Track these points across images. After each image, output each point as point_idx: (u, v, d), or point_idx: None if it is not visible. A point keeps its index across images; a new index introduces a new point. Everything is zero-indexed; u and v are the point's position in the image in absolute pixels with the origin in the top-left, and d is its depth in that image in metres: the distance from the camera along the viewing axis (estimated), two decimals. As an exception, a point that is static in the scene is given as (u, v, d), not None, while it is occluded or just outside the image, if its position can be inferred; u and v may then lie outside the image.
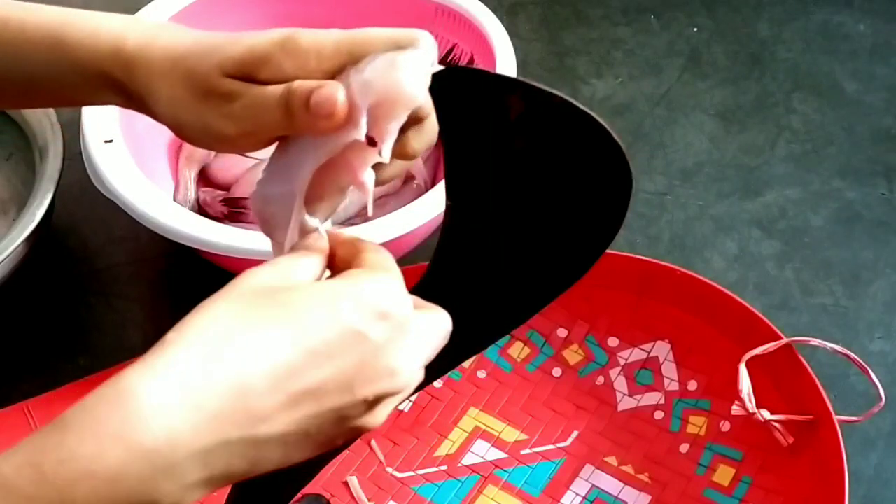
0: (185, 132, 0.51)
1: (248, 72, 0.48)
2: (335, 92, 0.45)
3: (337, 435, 0.43)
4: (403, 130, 0.46)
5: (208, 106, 0.48)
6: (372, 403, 0.43)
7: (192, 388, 0.39)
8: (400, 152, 0.47)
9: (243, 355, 0.40)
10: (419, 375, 0.45)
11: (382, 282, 0.43)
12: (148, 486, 0.38)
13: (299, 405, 0.41)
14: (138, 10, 0.91)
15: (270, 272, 0.44)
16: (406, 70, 0.45)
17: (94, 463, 0.37)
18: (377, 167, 0.47)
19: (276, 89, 0.46)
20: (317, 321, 0.41)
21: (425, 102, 0.47)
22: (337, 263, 0.47)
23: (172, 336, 0.40)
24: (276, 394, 0.40)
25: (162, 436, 0.38)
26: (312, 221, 0.48)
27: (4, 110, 0.85)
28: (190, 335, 0.40)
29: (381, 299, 0.42)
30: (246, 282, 0.43)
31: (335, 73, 0.47)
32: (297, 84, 0.46)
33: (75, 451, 0.37)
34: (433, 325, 0.46)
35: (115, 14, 0.53)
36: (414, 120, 0.47)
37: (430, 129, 0.49)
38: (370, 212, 0.50)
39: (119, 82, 0.51)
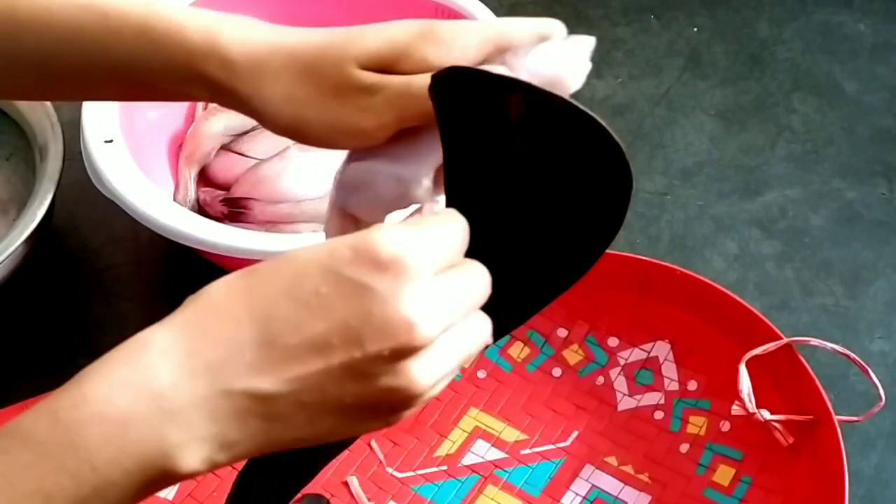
0: (307, 130, 0.50)
1: (388, 64, 0.48)
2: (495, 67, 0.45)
3: (365, 397, 0.40)
4: None
5: (342, 101, 0.48)
6: (392, 359, 0.40)
7: (191, 337, 0.40)
8: None
9: (238, 308, 0.40)
10: (456, 338, 0.42)
11: (394, 229, 0.41)
12: (156, 432, 0.39)
13: (303, 360, 0.40)
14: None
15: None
16: (571, 56, 0.47)
17: (104, 406, 0.38)
18: None
19: (423, 78, 0.46)
20: (310, 272, 0.40)
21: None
22: None
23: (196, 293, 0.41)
24: (272, 347, 0.40)
25: (167, 380, 0.39)
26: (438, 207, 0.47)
27: (77, 101, 0.82)
28: (204, 291, 0.41)
29: (384, 246, 0.40)
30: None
31: (478, 64, 0.48)
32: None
33: (87, 394, 0.39)
34: (462, 277, 0.42)
35: (198, 7, 0.53)
36: None
37: None
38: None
39: (211, 79, 0.50)
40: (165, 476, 0.39)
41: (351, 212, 0.53)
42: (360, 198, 0.52)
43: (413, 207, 0.50)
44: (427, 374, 0.40)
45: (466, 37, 0.48)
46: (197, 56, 0.50)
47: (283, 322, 0.40)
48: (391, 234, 0.40)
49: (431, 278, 0.41)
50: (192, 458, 0.39)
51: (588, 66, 0.48)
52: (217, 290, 0.41)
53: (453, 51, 0.47)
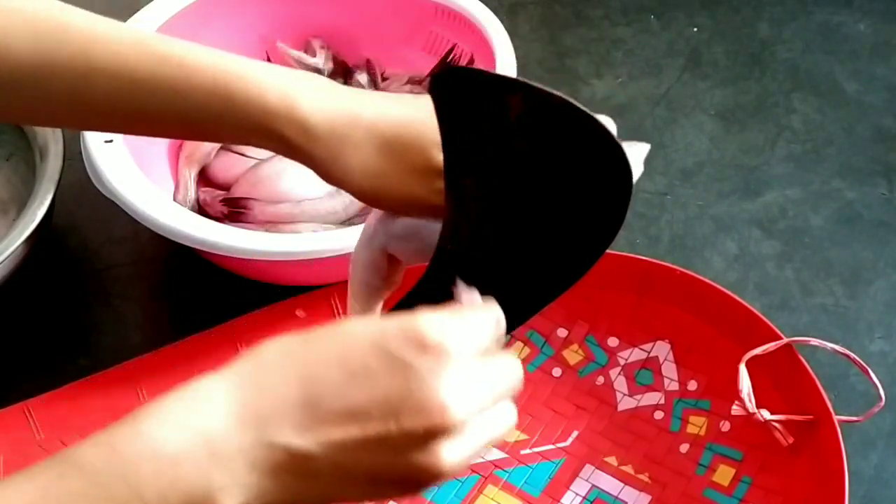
0: (384, 200, 0.53)
1: None
2: None
3: (394, 469, 0.43)
4: None
5: (421, 181, 0.52)
6: (425, 437, 0.42)
7: (245, 390, 0.42)
8: None
9: (290, 369, 0.43)
10: (484, 425, 0.44)
11: (440, 316, 0.44)
12: (203, 473, 0.41)
13: (342, 426, 0.42)
14: (138, 10, 0.91)
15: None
16: (631, 161, 0.50)
17: (159, 443, 0.40)
18: None
19: None
20: (361, 346, 0.43)
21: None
22: None
23: (253, 349, 0.44)
24: (315, 409, 0.42)
25: (219, 426, 0.41)
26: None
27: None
28: (262, 349, 0.44)
29: (430, 330, 0.43)
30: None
31: None
32: None
33: (144, 431, 0.41)
34: (496, 367, 0.45)
35: (275, 66, 0.55)
36: None
37: None
38: None
39: (290, 140, 0.52)
40: None
41: (391, 252, 0.57)
42: (406, 245, 0.55)
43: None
44: (454, 455, 0.43)
45: None
46: (275, 118, 0.52)
47: (329, 387, 0.42)
48: (438, 320, 0.43)
49: (469, 365, 0.43)
50: (230, 501, 0.41)
51: (641, 170, 0.54)
52: (273, 350, 0.44)
53: None
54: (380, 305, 0.59)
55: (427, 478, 0.43)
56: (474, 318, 0.46)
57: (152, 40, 0.55)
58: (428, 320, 0.43)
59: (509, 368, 0.46)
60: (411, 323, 0.43)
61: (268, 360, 0.43)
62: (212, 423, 0.41)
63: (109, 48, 0.54)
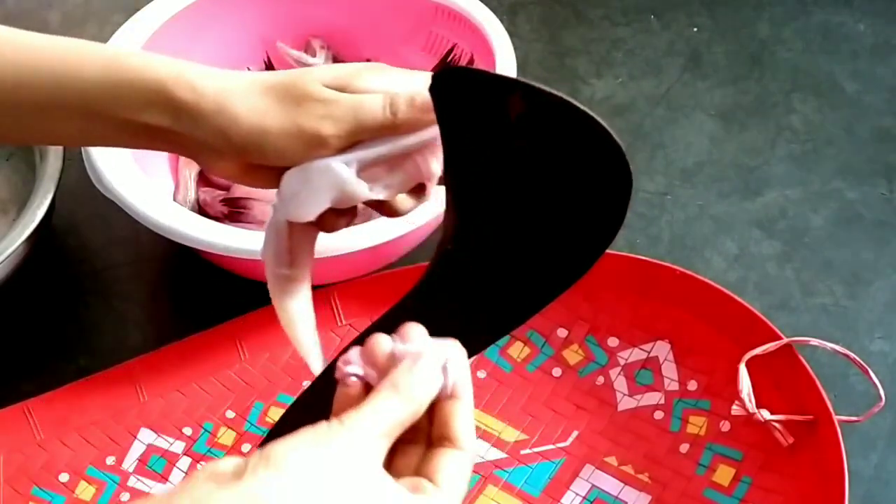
0: (268, 138, 0.55)
1: (343, 84, 0.55)
2: None
3: None
4: None
5: (304, 109, 0.54)
6: None
7: None
8: None
9: None
10: None
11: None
12: None
13: None
14: (139, 9, 0.91)
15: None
16: None
17: None
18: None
19: (373, 97, 0.54)
20: None
21: None
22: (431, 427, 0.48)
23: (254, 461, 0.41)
24: None
25: None
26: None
27: (38, 144, 0.85)
28: (253, 474, 0.41)
29: None
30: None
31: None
32: (400, 90, 0.54)
33: None
34: None
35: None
36: None
37: None
38: (430, 193, 0.57)
39: (179, 100, 0.55)
40: None
41: (290, 219, 0.56)
42: (298, 202, 0.55)
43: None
44: None
45: (406, 72, 0.56)
46: (166, 81, 0.55)
47: None
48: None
49: None
50: None
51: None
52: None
53: (395, 82, 0.56)
54: (299, 300, 0.60)
55: None
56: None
57: (44, 35, 0.58)
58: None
59: None
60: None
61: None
62: None
63: (11, 44, 0.57)
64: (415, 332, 0.47)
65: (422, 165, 0.55)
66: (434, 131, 0.53)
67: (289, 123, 0.54)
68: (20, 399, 0.78)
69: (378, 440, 0.44)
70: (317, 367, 0.61)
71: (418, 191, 0.58)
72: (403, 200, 0.58)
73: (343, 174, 0.54)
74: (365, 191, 0.54)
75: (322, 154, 0.54)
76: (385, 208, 0.59)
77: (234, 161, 0.57)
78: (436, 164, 0.54)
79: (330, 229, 0.58)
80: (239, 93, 0.55)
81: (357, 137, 0.54)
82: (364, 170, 0.54)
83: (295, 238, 0.58)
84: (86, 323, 0.87)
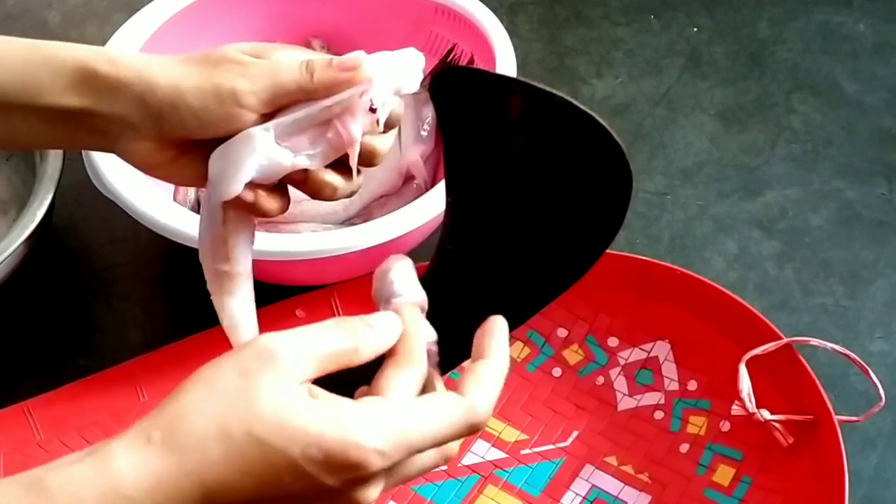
0: (184, 100, 0.54)
1: (262, 54, 0.55)
2: (358, 53, 0.53)
3: None
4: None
5: (221, 69, 0.54)
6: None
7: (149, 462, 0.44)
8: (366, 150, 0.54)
9: (202, 459, 0.45)
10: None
11: (370, 432, 0.45)
12: None
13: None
14: (139, 9, 0.91)
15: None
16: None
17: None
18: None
19: (289, 63, 0.54)
20: (281, 459, 0.44)
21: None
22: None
23: (165, 401, 0.46)
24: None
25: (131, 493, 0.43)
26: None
27: None
28: (172, 404, 0.47)
29: (347, 453, 0.44)
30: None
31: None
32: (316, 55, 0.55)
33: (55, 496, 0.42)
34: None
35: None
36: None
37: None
38: (354, 165, 0.55)
39: (97, 73, 0.55)
40: None
41: (220, 198, 0.55)
42: (223, 177, 0.54)
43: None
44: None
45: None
46: (85, 59, 0.56)
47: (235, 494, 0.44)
48: (366, 441, 0.44)
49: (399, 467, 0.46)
50: None
51: (420, 77, 0.56)
52: (195, 417, 0.48)
53: (294, 51, 0.56)
54: (240, 299, 0.59)
55: None
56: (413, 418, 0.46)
57: None
58: (355, 443, 0.44)
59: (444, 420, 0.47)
60: (336, 446, 0.44)
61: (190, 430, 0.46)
62: (122, 491, 0.43)
63: None
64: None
65: (342, 131, 0.53)
66: (353, 92, 0.53)
67: (204, 81, 0.54)
68: (20, 399, 0.78)
69: (305, 360, 0.46)
70: None
71: (345, 171, 0.56)
72: (331, 179, 0.56)
73: (263, 140, 0.53)
74: (288, 158, 0.53)
75: (240, 117, 0.54)
76: (310, 185, 0.56)
77: (155, 141, 0.56)
78: (356, 128, 0.53)
79: (263, 213, 0.56)
80: (157, 62, 0.56)
81: (275, 100, 0.54)
82: (285, 138, 0.53)
83: (230, 226, 0.56)
84: (86, 323, 0.87)
